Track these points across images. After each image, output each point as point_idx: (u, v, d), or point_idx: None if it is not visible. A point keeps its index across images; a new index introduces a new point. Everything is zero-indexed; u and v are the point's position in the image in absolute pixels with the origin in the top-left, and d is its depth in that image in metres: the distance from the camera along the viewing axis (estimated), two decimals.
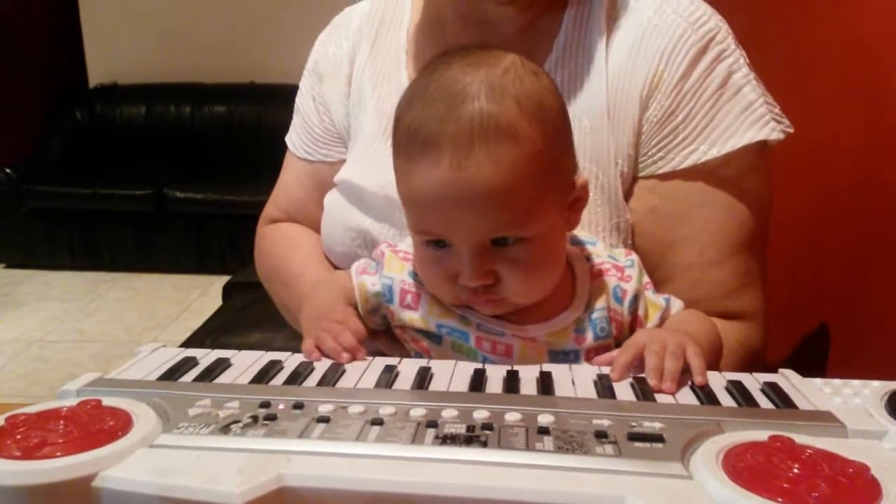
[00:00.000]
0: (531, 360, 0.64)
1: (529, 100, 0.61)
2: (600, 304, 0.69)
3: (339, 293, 0.73)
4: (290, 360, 0.63)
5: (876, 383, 0.55)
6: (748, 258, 0.77)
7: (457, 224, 0.61)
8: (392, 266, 0.72)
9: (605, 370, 0.60)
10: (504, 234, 0.62)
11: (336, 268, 0.87)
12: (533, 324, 0.67)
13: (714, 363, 0.66)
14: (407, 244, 0.74)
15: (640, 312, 0.71)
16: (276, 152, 0.99)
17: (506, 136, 0.59)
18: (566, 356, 0.67)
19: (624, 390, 0.56)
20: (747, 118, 0.75)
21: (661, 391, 0.56)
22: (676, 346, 0.59)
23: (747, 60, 0.77)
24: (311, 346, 0.65)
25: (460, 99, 0.60)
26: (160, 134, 3.99)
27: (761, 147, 0.76)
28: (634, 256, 0.73)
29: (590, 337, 0.68)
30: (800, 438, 0.45)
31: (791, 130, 0.77)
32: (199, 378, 0.59)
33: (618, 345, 0.70)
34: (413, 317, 0.69)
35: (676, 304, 0.73)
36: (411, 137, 0.62)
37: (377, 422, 0.48)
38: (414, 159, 0.62)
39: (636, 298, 0.70)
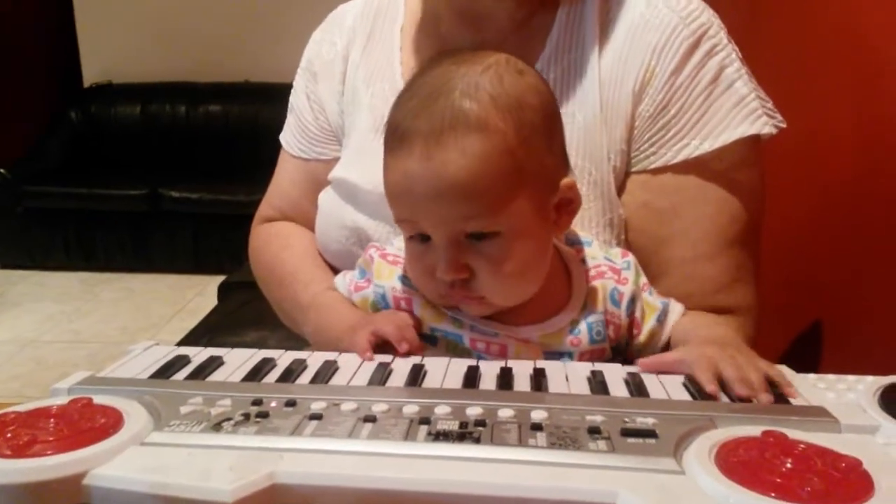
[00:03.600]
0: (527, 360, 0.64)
1: (506, 96, 0.62)
2: (597, 307, 0.69)
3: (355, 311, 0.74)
4: (283, 358, 0.62)
5: (869, 378, 0.55)
6: (740, 253, 0.77)
7: (429, 215, 0.62)
8: (382, 273, 0.72)
9: (599, 366, 0.60)
10: (474, 228, 0.62)
11: (331, 266, 0.87)
12: (526, 325, 0.67)
13: None
14: (396, 247, 0.74)
15: (637, 315, 0.71)
16: (272, 151, 0.98)
17: (475, 129, 0.60)
18: (560, 358, 0.67)
19: (617, 386, 0.56)
20: (739, 112, 0.75)
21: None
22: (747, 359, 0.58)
23: (739, 55, 0.77)
24: (365, 340, 0.65)
25: (436, 96, 0.62)
26: (155, 133, 3.98)
27: (753, 141, 0.76)
28: (631, 258, 0.73)
29: (585, 339, 0.68)
30: (793, 433, 0.45)
31: (783, 125, 0.77)
32: (191, 376, 0.59)
33: (614, 348, 0.70)
34: None
35: (676, 308, 0.72)
36: (391, 133, 0.64)
37: (370, 419, 0.48)
38: (391, 152, 0.64)
39: (633, 301, 0.70)
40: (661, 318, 0.71)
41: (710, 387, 0.55)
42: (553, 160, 0.66)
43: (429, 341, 0.69)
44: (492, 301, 0.65)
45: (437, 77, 0.63)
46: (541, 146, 0.64)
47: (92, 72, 4.18)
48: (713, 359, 0.57)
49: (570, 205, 0.67)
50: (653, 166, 0.76)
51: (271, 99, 3.65)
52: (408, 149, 0.61)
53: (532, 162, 0.62)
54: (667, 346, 0.71)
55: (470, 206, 0.60)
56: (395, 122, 0.64)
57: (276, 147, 0.96)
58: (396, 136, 0.63)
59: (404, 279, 0.71)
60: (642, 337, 0.70)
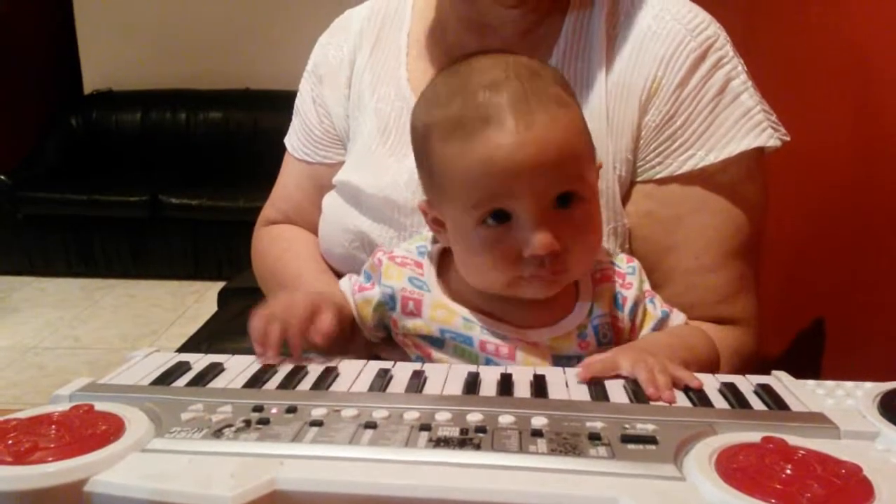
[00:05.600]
0: (534, 365, 0.64)
1: (560, 77, 0.68)
2: (602, 309, 0.69)
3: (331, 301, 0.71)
4: (284, 365, 0.63)
5: (868, 385, 0.55)
6: (742, 264, 0.77)
7: (527, 185, 0.61)
8: (391, 274, 0.71)
9: None
10: (570, 188, 0.63)
11: (334, 270, 0.87)
12: (536, 328, 0.67)
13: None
14: (403, 248, 0.74)
15: (639, 321, 0.71)
16: (272, 158, 0.99)
17: (555, 102, 0.63)
18: (569, 361, 0.66)
19: (617, 392, 0.56)
20: (745, 125, 0.75)
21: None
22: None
23: (745, 68, 0.77)
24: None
25: (501, 79, 0.63)
26: (155, 140, 3.99)
27: (758, 154, 0.76)
28: (636, 263, 0.73)
29: (593, 342, 0.68)
30: (792, 440, 0.45)
31: (788, 138, 0.77)
32: (192, 382, 0.59)
33: None
34: (417, 323, 0.69)
35: (678, 318, 0.72)
36: (462, 119, 0.63)
37: (370, 425, 0.48)
38: (473, 135, 0.62)
39: (636, 305, 0.70)
40: (657, 328, 0.71)
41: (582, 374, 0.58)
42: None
43: (437, 345, 0.69)
44: (573, 272, 0.66)
45: (484, 69, 0.65)
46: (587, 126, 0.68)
47: (92, 79, 4.19)
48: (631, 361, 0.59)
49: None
50: (658, 176, 0.76)
51: (271, 106, 3.66)
52: (497, 125, 0.61)
53: (589, 137, 0.67)
54: None
55: (569, 169, 0.62)
56: (463, 110, 0.63)
57: (277, 154, 0.97)
58: (475, 119, 0.62)
59: (413, 280, 0.71)
60: None
